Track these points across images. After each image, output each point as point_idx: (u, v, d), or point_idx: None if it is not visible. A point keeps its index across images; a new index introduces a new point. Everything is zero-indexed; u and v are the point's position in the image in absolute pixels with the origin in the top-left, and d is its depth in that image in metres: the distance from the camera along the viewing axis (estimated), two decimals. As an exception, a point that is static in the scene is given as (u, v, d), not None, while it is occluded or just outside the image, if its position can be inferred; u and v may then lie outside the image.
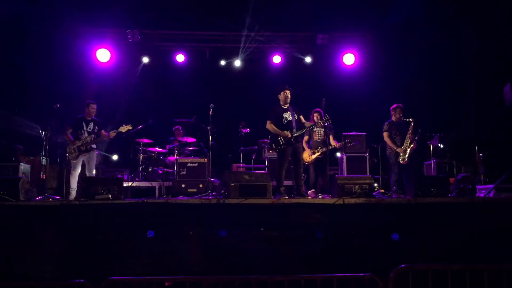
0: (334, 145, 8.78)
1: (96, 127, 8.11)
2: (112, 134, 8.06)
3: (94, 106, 8.14)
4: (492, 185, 7.16)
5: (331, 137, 8.83)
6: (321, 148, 8.59)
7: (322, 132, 8.79)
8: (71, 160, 7.88)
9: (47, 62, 10.12)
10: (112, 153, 10.56)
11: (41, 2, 9.52)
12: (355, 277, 3.97)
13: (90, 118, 8.11)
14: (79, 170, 7.90)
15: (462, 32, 10.11)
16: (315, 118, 8.34)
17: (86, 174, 7.92)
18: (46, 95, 9.49)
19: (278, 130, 7.27)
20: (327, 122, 7.56)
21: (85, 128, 8.00)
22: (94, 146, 8.05)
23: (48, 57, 10.17)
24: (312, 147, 8.65)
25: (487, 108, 9.94)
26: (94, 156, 8.11)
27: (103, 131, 8.16)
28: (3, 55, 9.79)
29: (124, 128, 8.08)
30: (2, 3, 9.36)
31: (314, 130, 8.53)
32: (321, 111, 8.49)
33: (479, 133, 9.74)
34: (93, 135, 8.00)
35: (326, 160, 8.46)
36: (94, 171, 8.11)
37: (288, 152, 7.27)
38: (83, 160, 7.96)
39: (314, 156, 8.54)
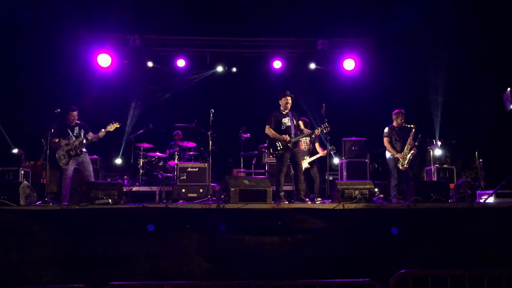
0: (320, 154, 8.65)
1: (82, 130, 8.01)
2: (101, 133, 7.90)
3: (74, 113, 8.00)
4: (492, 191, 7.16)
5: (317, 145, 8.79)
6: (309, 157, 8.61)
7: (308, 141, 8.78)
8: (62, 166, 7.79)
9: (48, 67, 10.16)
10: (114, 158, 10.55)
11: (42, 7, 9.56)
12: (354, 283, 3.96)
13: (73, 123, 8.02)
14: (70, 176, 7.79)
15: (461, 37, 10.14)
16: (301, 126, 8.20)
17: (85, 179, 7.83)
18: (47, 100, 9.50)
19: (277, 134, 7.28)
20: (325, 130, 7.43)
21: (71, 134, 7.90)
22: (84, 150, 7.95)
23: (49, 62, 10.20)
24: None
25: (487, 114, 9.95)
26: (88, 159, 8.00)
27: (90, 132, 8.02)
28: (3, 60, 9.82)
29: (111, 127, 7.93)
30: (3, 8, 9.40)
31: (300, 139, 8.42)
32: (307, 120, 8.49)
33: (479, 138, 9.75)
34: (81, 138, 7.89)
35: (326, 165, 8.46)
36: (92, 174, 8.03)
37: (286, 157, 7.28)
38: (77, 166, 7.88)
39: (303, 168, 8.38)
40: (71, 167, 7.82)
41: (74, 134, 7.94)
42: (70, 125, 8.00)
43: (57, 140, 7.83)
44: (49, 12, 9.65)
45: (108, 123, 8.08)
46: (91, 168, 7.99)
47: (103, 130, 7.90)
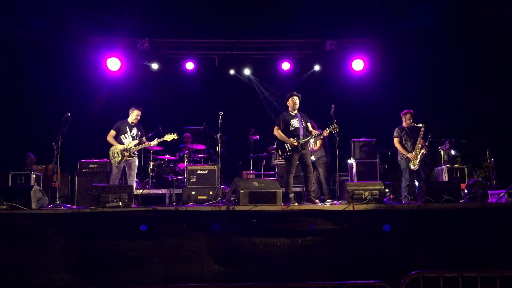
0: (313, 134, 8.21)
1: (139, 133, 8.12)
2: (154, 143, 8.01)
3: (139, 112, 8.09)
4: (504, 190, 7.09)
5: (308, 125, 8.55)
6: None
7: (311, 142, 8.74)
8: (113, 164, 7.91)
9: (58, 72, 10.24)
10: None
11: (52, 12, 9.64)
12: (365, 284, 3.94)
13: (133, 124, 8.11)
14: (119, 176, 7.96)
15: (473, 38, 10.07)
16: (310, 127, 8.10)
17: (128, 182, 7.98)
18: (57, 104, 9.59)
19: (285, 136, 7.27)
20: (334, 131, 7.37)
21: (128, 133, 8.00)
22: (136, 152, 8.07)
23: (59, 67, 10.29)
24: None
25: (498, 113, 9.87)
26: (136, 162, 8.11)
27: (144, 138, 8.15)
28: (14, 65, 9.92)
29: (169, 137, 8.00)
30: (14, 14, 9.51)
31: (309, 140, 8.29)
32: (313, 122, 8.45)
33: (491, 138, 9.66)
34: (137, 141, 8.01)
35: (336, 165, 8.42)
36: (134, 179, 8.12)
37: (295, 158, 7.27)
38: (124, 165, 7.98)
39: None
40: (121, 168, 7.93)
41: (131, 133, 8.03)
42: (130, 124, 8.08)
43: (113, 135, 7.92)
44: (59, 17, 9.74)
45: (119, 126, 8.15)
46: (135, 172, 8.09)
47: (157, 139, 8.00)
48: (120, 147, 7.86)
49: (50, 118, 9.04)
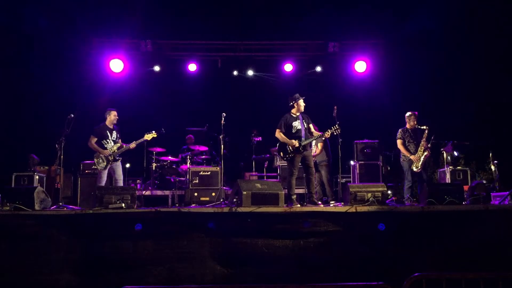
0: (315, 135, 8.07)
1: (118, 135, 8.10)
2: (132, 145, 7.96)
3: (116, 113, 8.08)
4: (507, 192, 7.07)
5: (311, 126, 8.51)
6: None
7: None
8: (99, 169, 7.89)
9: (61, 73, 10.27)
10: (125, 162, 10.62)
11: (55, 14, 9.68)
12: (367, 286, 3.93)
13: (112, 127, 8.09)
14: (105, 180, 7.94)
15: (476, 40, 10.05)
16: (312, 128, 8.05)
17: (114, 183, 7.96)
18: (60, 105, 9.61)
19: (286, 138, 7.26)
20: (336, 132, 7.30)
21: (110, 137, 7.98)
22: (119, 156, 8.03)
23: (62, 68, 10.32)
24: None
25: (501, 115, 9.85)
26: (120, 164, 8.10)
27: (120, 141, 8.12)
28: (18, 66, 9.96)
29: (149, 136, 7.99)
30: (19, 15, 9.55)
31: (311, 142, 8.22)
32: (314, 125, 8.43)
33: (494, 139, 9.64)
34: (119, 144, 7.98)
35: (338, 167, 8.42)
36: (121, 178, 8.10)
37: (297, 160, 7.26)
38: (109, 171, 7.98)
39: None
40: (106, 172, 7.92)
41: (112, 138, 8.02)
42: (109, 127, 8.06)
43: (95, 141, 7.90)
44: (62, 18, 9.78)
45: (120, 128, 8.15)
46: (121, 172, 8.07)
47: (134, 142, 7.94)
48: (105, 152, 7.85)
49: (53, 119, 9.06)
